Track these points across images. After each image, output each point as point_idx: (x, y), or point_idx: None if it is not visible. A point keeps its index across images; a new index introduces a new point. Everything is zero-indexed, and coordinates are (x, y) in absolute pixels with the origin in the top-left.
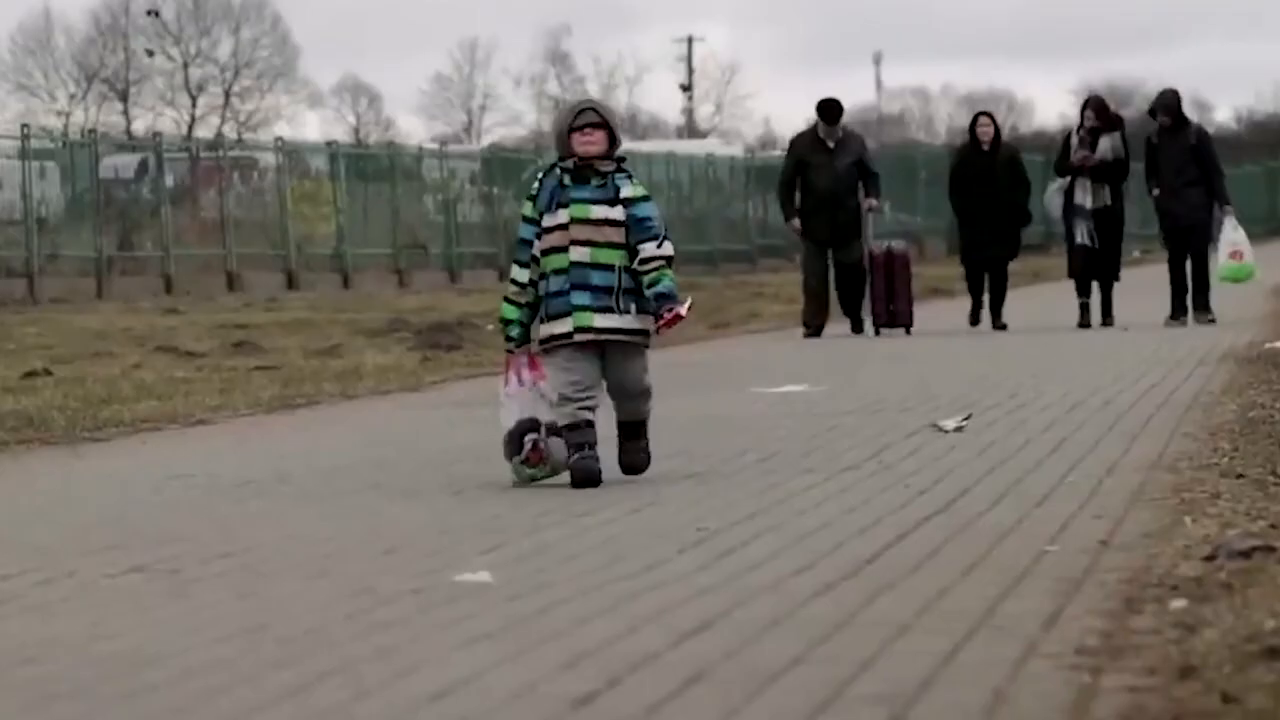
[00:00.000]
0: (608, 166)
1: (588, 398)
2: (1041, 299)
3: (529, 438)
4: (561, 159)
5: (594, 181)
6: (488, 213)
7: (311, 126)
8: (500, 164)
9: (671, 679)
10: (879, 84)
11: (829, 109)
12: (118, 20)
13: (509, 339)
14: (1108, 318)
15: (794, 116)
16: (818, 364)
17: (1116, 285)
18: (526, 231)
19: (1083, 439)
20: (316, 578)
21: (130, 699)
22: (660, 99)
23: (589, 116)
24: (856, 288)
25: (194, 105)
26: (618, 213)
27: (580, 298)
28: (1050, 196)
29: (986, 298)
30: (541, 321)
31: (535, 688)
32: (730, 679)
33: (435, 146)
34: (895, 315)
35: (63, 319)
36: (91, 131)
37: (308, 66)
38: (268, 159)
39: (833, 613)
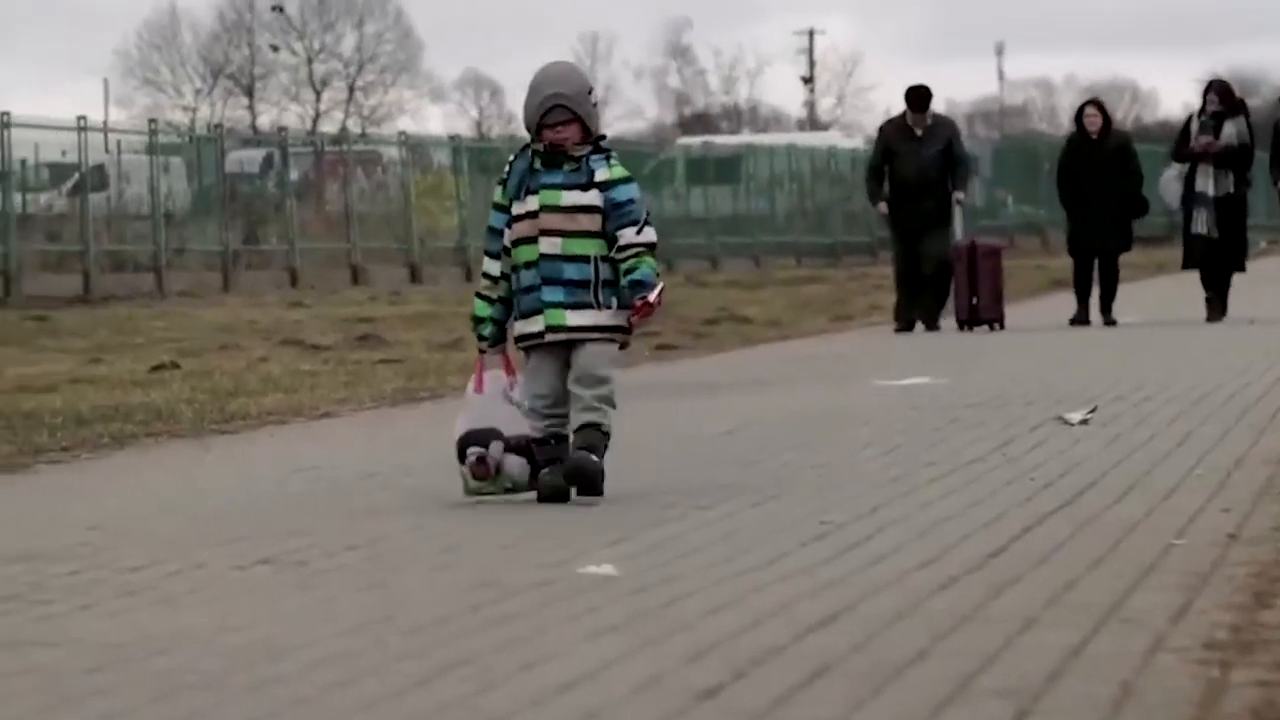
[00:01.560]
0: (581, 150)
1: (557, 415)
2: (1164, 291)
3: (472, 450)
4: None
5: (566, 166)
6: None
7: (434, 120)
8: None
9: (797, 672)
10: (1001, 75)
11: (916, 96)
12: (243, 16)
13: (481, 338)
14: (1223, 311)
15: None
16: (940, 357)
17: (1240, 276)
18: (497, 220)
19: (1209, 432)
20: (441, 570)
21: (258, 690)
22: (781, 92)
23: (558, 115)
24: (941, 283)
25: (318, 100)
26: (592, 197)
27: (552, 293)
28: (1166, 183)
29: (1096, 293)
30: (515, 319)
31: (661, 680)
32: (855, 672)
33: None
34: (978, 311)
35: (189, 313)
36: (217, 126)
37: (430, 60)
38: (391, 153)
39: (958, 606)
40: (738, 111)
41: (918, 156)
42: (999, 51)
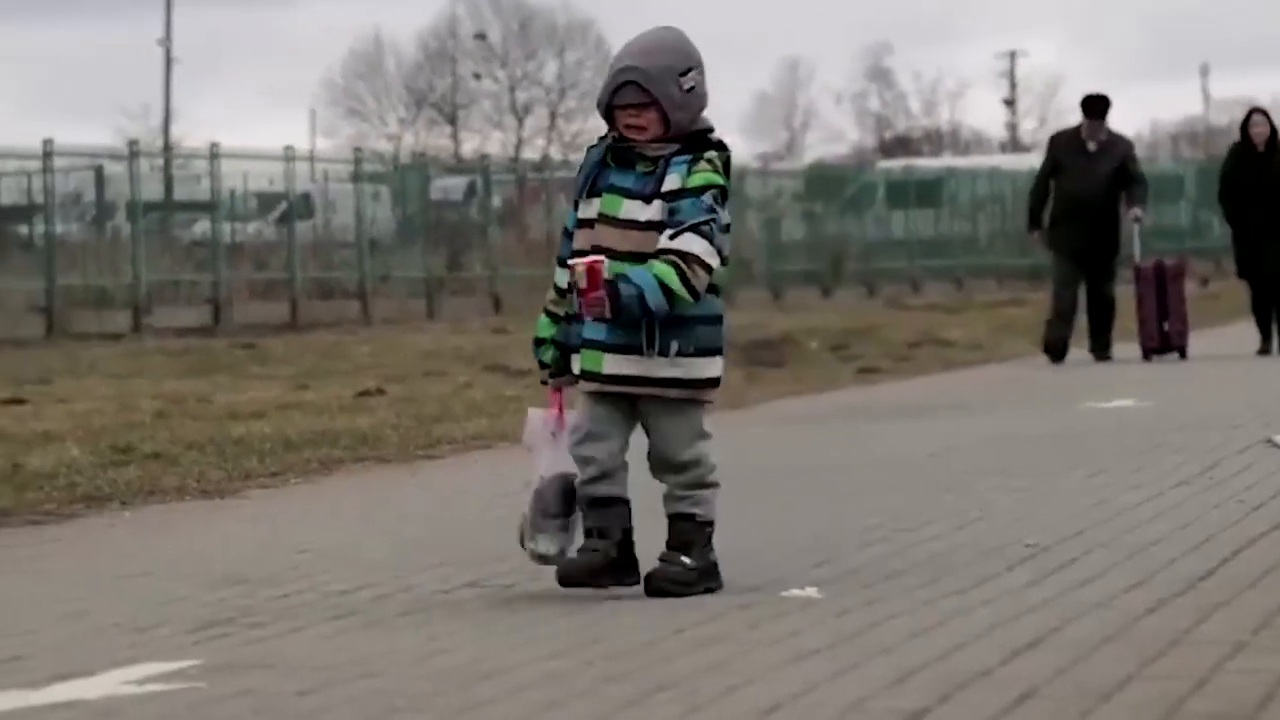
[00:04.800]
0: (662, 150)
1: (594, 470)
2: None
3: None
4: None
5: (640, 167)
6: (810, 230)
7: None
8: (823, 181)
9: (1003, 696)
10: (1206, 96)
11: (1093, 104)
12: (446, 45)
13: (541, 365)
14: None
15: (1118, 129)
16: (1144, 380)
17: None
18: (571, 219)
19: None
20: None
21: (468, 712)
22: (983, 114)
23: (628, 95)
24: (1106, 315)
25: (520, 127)
26: (654, 211)
27: (593, 329)
28: None
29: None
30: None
31: (865, 704)
32: (1062, 696)
33: (758, 164)
34: (1168, 338)
35: (394, 339)
36: (421, 154)
37: None
38: None
39: (1166, 630)
40: (939, 134)
41: (1089, 172)
42: (1204, 72)
